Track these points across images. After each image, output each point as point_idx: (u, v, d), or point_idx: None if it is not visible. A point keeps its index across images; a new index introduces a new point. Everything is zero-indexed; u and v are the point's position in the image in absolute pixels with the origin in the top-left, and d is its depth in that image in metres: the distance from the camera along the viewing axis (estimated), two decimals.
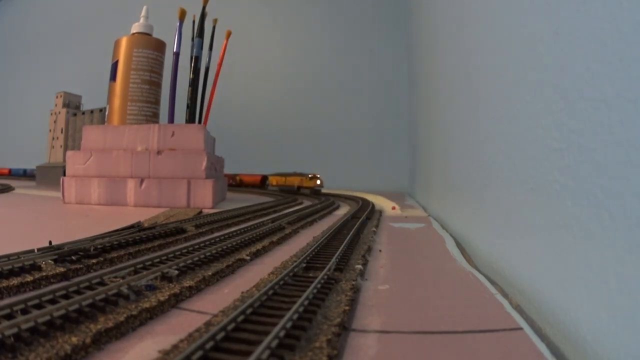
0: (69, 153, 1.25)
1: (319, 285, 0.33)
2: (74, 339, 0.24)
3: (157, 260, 0.42)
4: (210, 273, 0.40)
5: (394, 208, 1.18)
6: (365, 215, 0.84)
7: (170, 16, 1.34)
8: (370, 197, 1.48)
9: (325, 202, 1.28)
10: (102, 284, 0.33)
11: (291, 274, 0.37)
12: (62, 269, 0.39)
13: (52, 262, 0.40)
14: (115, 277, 0.36)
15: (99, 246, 0.46)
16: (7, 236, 0.66)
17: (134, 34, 1.30)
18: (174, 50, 1.27)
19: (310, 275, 0.38)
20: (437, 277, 0.45)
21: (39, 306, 0.27)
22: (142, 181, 1.17)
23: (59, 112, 2.27)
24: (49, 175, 2.09)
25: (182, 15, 1.27)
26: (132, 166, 1.19)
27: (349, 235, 0.56)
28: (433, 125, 1.20)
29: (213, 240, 0.53)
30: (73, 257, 0.42)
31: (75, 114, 2.23)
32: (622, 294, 0.24)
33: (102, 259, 0.44)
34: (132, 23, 1.31)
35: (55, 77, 3.02)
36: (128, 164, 1.19)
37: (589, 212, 0.28)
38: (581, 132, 0.29)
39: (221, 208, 1.08)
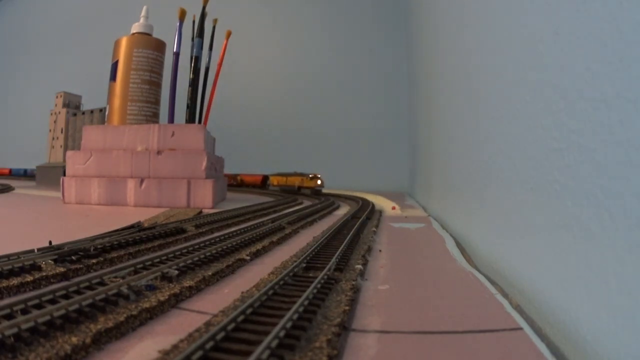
0: (69, 153, 1.25)
1: (319, 285, 0.33)
2: (74, 339, 0.24)
3: (157, 260, 0.42)
4: (210, 273, 0.40)
5: (394, 208, 1.18)
6: (365, 215, 0.84)
7: (170, 16, 1.34)
8: (370, 197, 1.48)
9: (325, 202, 1.28)
10: (102, 284, 0.33)
11: (291, 274, 0.37)
12: (62, 269, 0.39)
13: (52, 262, 0.40)
14: (115, 277, 0.36)
15: (99, 246, 0.46)
16: (7, 236, 0.66)
17: (134, 34, 1.30)
18: (174, 50, 1.27)
19: (310, 275, 0.38)
20: (437, 277, 0.45)
21: (39, 306, 0.27)
22: (142, 181, 1.17)
23: (59, 112, 2.28)
24: (49, 175, 2.09)
25: (182, 15, 1.27)
26: (132, 166, 1.19)
27: (349, 235, 0.56)
28: (433, 125, 1.20)
29: (213, 240, 0.53)
30: (73, 257, 0.42)
31: (75, 114, 2.23)
32: (622, 294, 0.24)
33: (102, 259, 0.44)
34: (132, 23, 1.31)
35: (55, 77, 3.02)
36: (128, 164, 1.19)
37: (589, 212, 0.28)
38: (581, 132, 0.29)
39: (221, 208, 1.08)
